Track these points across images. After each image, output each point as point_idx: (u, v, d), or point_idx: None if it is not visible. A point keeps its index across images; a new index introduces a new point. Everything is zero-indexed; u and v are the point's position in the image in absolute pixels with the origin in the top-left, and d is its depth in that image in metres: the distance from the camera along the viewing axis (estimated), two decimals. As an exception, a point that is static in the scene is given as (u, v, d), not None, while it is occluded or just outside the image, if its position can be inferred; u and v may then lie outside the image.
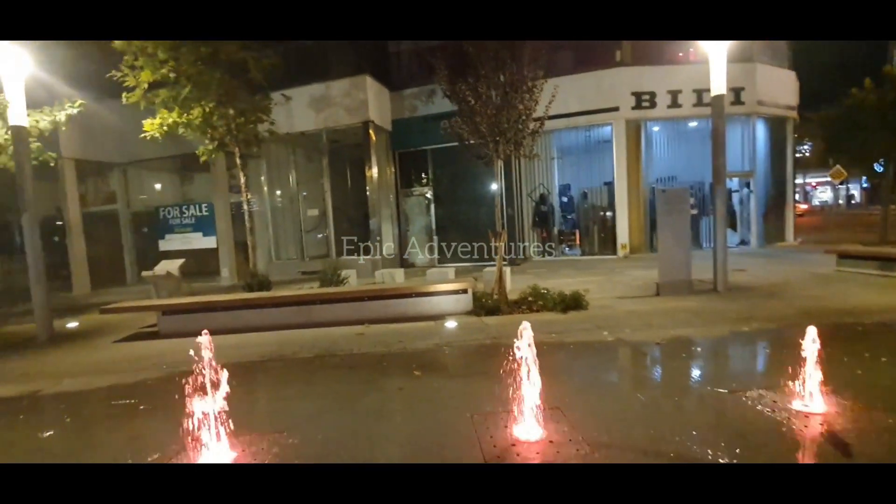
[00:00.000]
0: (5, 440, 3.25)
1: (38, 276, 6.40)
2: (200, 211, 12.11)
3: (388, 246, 13.05)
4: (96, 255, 12.25)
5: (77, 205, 11.90)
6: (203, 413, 2.68)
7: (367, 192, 12.18)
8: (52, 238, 12.15)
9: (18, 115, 6.42)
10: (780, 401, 3.09)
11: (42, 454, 3.00)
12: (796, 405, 3.00)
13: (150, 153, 12.24)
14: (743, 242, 14.55)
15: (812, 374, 2.95)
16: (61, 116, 7.57)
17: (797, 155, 20.67)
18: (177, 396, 2.62)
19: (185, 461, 2.69)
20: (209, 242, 12.00)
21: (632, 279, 8.92)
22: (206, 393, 2.67)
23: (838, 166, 16.09)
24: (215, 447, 2.70)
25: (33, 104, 7.12)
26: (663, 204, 7.00)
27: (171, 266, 7.56)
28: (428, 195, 13.33)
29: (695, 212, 14.11)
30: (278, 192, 13.41)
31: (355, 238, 12.74)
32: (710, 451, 2.52)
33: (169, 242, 12.19)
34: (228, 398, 2.82)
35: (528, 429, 2.89)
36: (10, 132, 6.67)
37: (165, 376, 4.40)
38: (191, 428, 2.69)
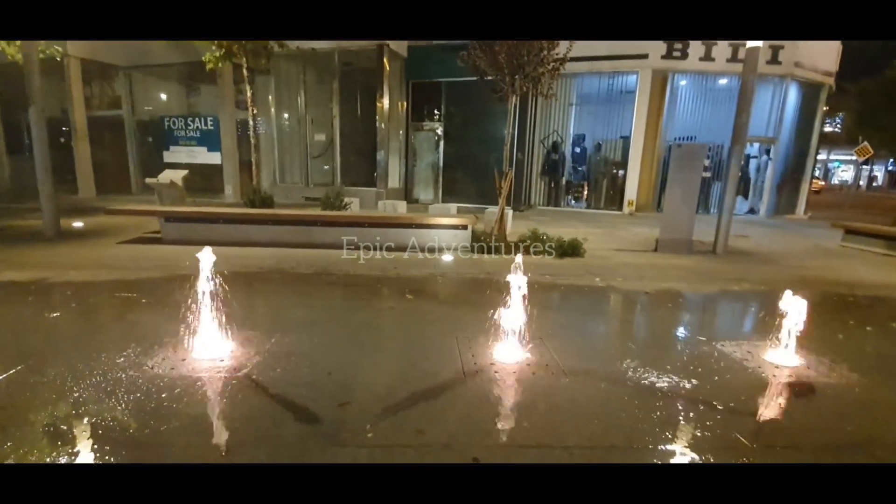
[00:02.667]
0: (17, 317, 3.41)
1: (45, 170, 6.40)
2: (206, 125, 11.88)
3: (395, 179, 12.93)
4: (101, 161, 12.20)
5: (82, 107, 11.67)
6: (201, 310, 2.80)
7: (377, 122, 11.87)
8: (59, 140, 12.04)
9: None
10: (755, 352, 3.20)
11: (48, 332, 3.17)
12: (769, 357, 3.10)
13: (155, 57, 11.82)
14: (752, 211, 14.36)
15: (792, 332, 3.03)
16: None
17: (825, 129, 19.82)
18: (177, 294, 2.72)
19: (182, 351, 2.85)
20: (214, 158, 11.88)
21: (633, 235, 8.91)
22: (205, 293, 2.77)
23: (865, 143, 15.46)
24: (211, 341, 2.85)
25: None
26: (677, 159, 6.84)
27: (175, 176, 7.54)
28: (438, 131, 12.99)
29: (708, 174, 13.81)
30: (286, 114, 13.07)
31: (362, 168, 12.61)
32: (676, 385, 2.65)
33: (174, 154, 12.07)
34: (226, 300, 2.94)
35: (508, 353, 3.02)
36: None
37: (167, 277, 4.54)
38: (189, 321, 2.82)
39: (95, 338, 3.04)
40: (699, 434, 2.19)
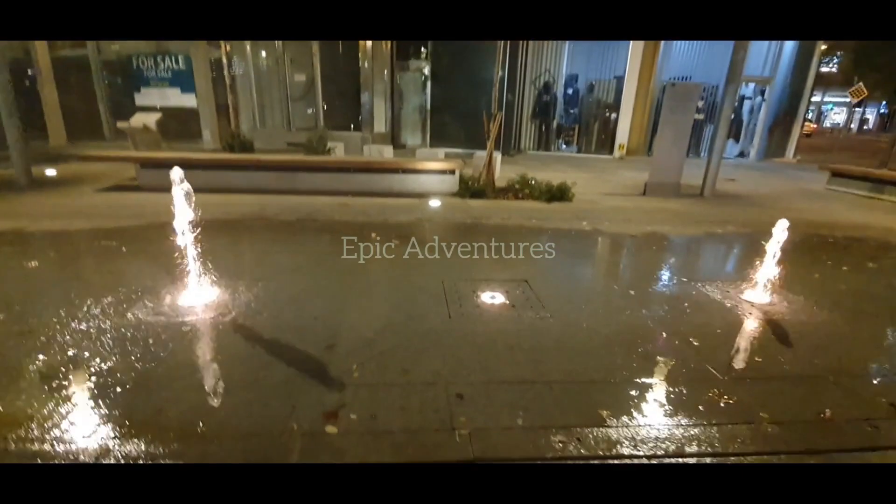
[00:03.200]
0: (-9, 267, 3.34)
1: (11, 115, 6.00)
2: (177, 63, 11.15)
3: (380, 123, 12.48)
4: (70, 105, 11.50)
5: (45, 46, 10.82)
6: (183, 257, 2.75)
7: (360, 61, 11.27)
8: (24, 83, 11.25)
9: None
10: (733, 291, 3.28)
11: (28, 280, 3.11)
12: (746, 295, 3.19)
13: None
14: (742, 154, 14.29)
15: (769, 272, 3.10)
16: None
17: (822, 69, 19.30)
18: (157, 243, 2.66)
19: (167, 298, 2.83)
20: (188, 101, 11.26)
21: (622, 179, 8.86)
22: (186, 241, 2.71)
23: (860, 84, 15.17)
24: (195, 288, 2.82)
25: None
26: (670, 99, 6.65)
27: (148, 119, 7.16)
28: (425, 71, 12.39)
29: (700, 116, 13.56)
30: (263, 52, 12.31)
31: (346, 111, 12.11)
32: (657, 324, 2.72)
33: (145, 96, 11.42)
34: (209, 248, 2.89)
35: (493, 295, 3.06)
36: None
37: (146, 224, 4.44)
38: (172, 269, 2.78)
39: (76, 286, 2.99)
40: (674, 368, 2.28)
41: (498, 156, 7.48)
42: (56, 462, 1.58)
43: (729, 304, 3.06)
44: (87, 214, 4.76)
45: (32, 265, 3.37)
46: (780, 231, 3.04)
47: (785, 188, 8.43)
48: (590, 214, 5.63)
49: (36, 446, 1.63)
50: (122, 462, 1.57)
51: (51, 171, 7.12)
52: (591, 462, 1.66)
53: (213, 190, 6.02)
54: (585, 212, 5.75)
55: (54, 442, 1.65)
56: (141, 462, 1.57)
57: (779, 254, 3.05)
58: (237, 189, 6.09)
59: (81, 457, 1.59)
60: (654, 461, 1.68)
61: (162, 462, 1.58)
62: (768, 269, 3.10)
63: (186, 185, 2.64)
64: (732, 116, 8.86)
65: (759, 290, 3.17)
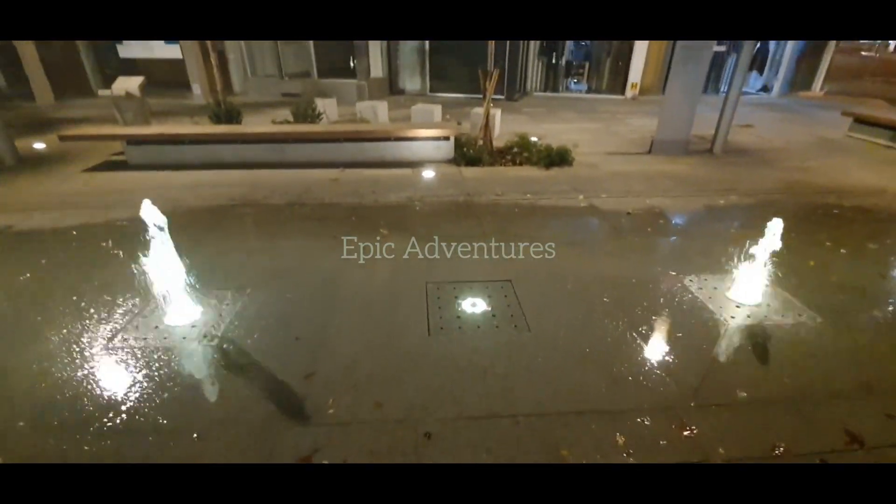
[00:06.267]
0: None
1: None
2: (157, 11, 10.43)
3: (377, 68, 11.82)
4: (52, 60, 11.02)
5: (11, -8, 10.14)
6: (172, 265, 2.75)
7: None
8: (-3, 36, 10.72)
9: None
10: (720, 287, 3.24)
11: (21, 296, 3.20)
12: (732, 294, 3.16)
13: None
14: (765, 89, 13.38)
15: (760, 265, 3.01)
16: None
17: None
18: (146, 243, 2.66)
19: (153, 317, 2.90)
20: (173, 51, 10.71)
21: (630, 130, 8.44)
22: (174, 244, 2.70)
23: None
24: (181, 304, 2.88)
25: None
26: (682, 49, 6.13)
27: (130, 85, 6.87)
28: (422, 7, 11.43)
29: (723, 48, 12.54)
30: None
31: (340, 55, 11.43)
32: (630, 333, 2.74)
33: (128, 48, 10.86)
34: (196, 250, 2.87)
35: (474, 302, 3.07)
36: None
37: (135, 217, 4.42)
38: (159, 280, 2.80)
39: (65, 303, 3.08)
40: (643, 393, 2.32)
41: (497, 113, 7.13)
42: (56, 462, 1.64)
43: (712, 307, 3.04)
44: (76, 204, 4.75)
45: (24, 278, 3.44)
46: (772, 234, 2.92)
47: (802, 137, 7.97)
48: (588, 184, 5.45)
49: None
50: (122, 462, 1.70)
51: (39, 145, 7.02)
52: (591, 462, 1.72)
53: (203, 165, 5.93)
54: (584, 180, 5.56)
55: None
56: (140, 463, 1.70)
57: (772, 245, 2.93)
58: (228, 164, 5.97)
59: None
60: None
61: (161, 462, 1.64)
62: (758, 263, 3.01)
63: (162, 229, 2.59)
64: (758, 45, 8.10)
65: (747, 287, 3.12)
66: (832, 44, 12.54)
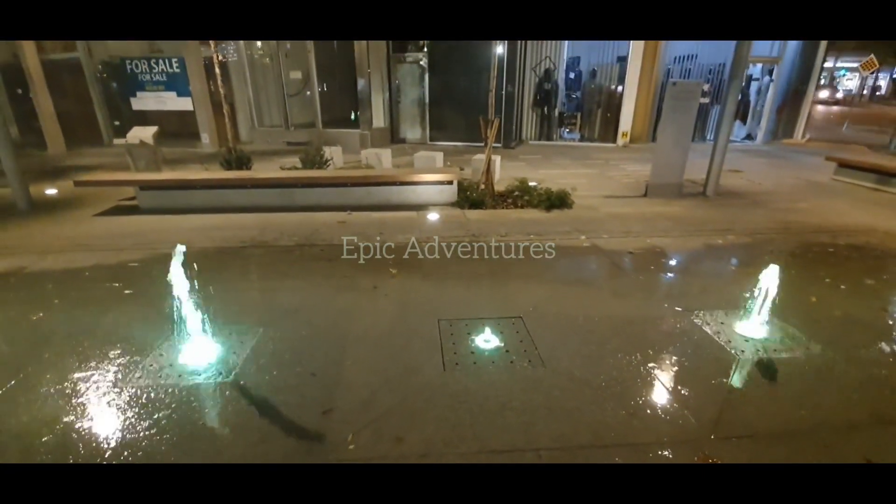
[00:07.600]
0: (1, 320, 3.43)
1: (4, 137, 6.00)
2: (171, 67, 11.02)
3: (379, 118, 12.35)
4: (66, 111, 11.46)
5: (34, 49, 10.70)
6: (186, 305, 2.78)
7: (356, 54, 11.08)
8: (16, 91, 11.20)
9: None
10: (728, 322, 3.30)
11: (35, 335, 3.20)
12: (740, 328, 3.21)
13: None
14: (749, 137, 14.00)
15: (765, 300, 3.09)
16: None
17: (835, 36, 18.58)
18: (159, 284, 2.69)
19: (168, 357, 2.91)
20: (185, 104, 11.19)
21: (624, 175, 8.75)
22: (187, 284, 2.72)
23: (872, 56, 14.68)
24: (197, 343, 2.89)
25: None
26: (671, 98, 6.51)
27: (144, 134, 7.15)
28: (422, 62, 12.15)
29: (706, 100, 13.24)
30: (258, 45, 12.13)
31: (344, 107, 11.96)
32: (644, 367, 2.76)
33: (142, 101, 11.34)
34: (211, 289, 2.90)
35: (488, 339, 3.10)
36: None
37: (147, 258, 4.50)
38: (174, 320, 2.83)
39: (80, 344, 3.08)
40: (662, 426, 2.32)
41: (497, 159, 7.41)
42: (56, 462, 1.57)
43: (722, 342, 3.08)
44: (89, 247, 4.82)
45: (37, 318, 3.45)
46: (773, 271, 3.02)
47: (790, 181, 8.29)
48: (589, 225, 5.60)
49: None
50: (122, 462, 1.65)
51: (51, 191, 7.18)
52: (591, 462, 1.68)
53: (213, 209, 6.06)
54: (585, 222, 5.73)
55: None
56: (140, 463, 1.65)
57: (774, 281, 3.02)
58: (238, 207, 6.12)
59: None
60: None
61: (161, 462, 1.58)
62: (762, 298, 3.09)
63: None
64: (740, 97, 8.60)
65: (754, 322, 3.18)
66: (811, 94, 13.29)
